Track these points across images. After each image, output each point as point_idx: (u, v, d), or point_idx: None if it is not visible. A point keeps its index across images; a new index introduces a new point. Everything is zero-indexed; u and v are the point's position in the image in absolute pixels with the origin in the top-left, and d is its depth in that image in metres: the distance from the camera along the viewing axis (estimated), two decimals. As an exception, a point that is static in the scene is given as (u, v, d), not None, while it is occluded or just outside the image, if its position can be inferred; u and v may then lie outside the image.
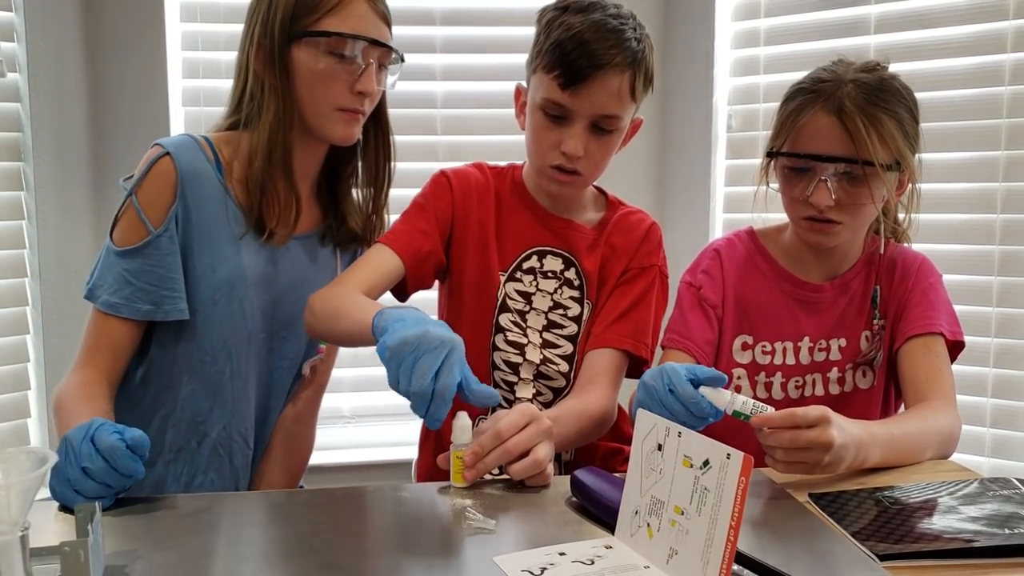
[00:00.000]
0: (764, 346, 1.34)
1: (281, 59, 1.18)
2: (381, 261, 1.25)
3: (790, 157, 1.24)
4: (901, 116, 1.22)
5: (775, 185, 1.32)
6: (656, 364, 1.32)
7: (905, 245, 1.37)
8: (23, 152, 1.86)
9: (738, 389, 1.33)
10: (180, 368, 1.22)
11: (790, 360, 1.33)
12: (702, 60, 2.06)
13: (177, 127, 1.98)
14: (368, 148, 1.31)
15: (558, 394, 1.32)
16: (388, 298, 1.27)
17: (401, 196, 1.37)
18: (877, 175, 1.20)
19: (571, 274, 1.32)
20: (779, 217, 1.36)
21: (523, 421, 1.01)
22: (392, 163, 1.33)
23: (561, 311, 1.32)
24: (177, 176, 1.16)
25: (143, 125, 1.94)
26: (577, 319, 1.32)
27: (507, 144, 1.81)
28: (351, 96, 1.19)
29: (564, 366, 1.31)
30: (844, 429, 1.00)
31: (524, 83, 1.31)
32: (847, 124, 1.19)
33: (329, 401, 2.03)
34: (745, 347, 1.34)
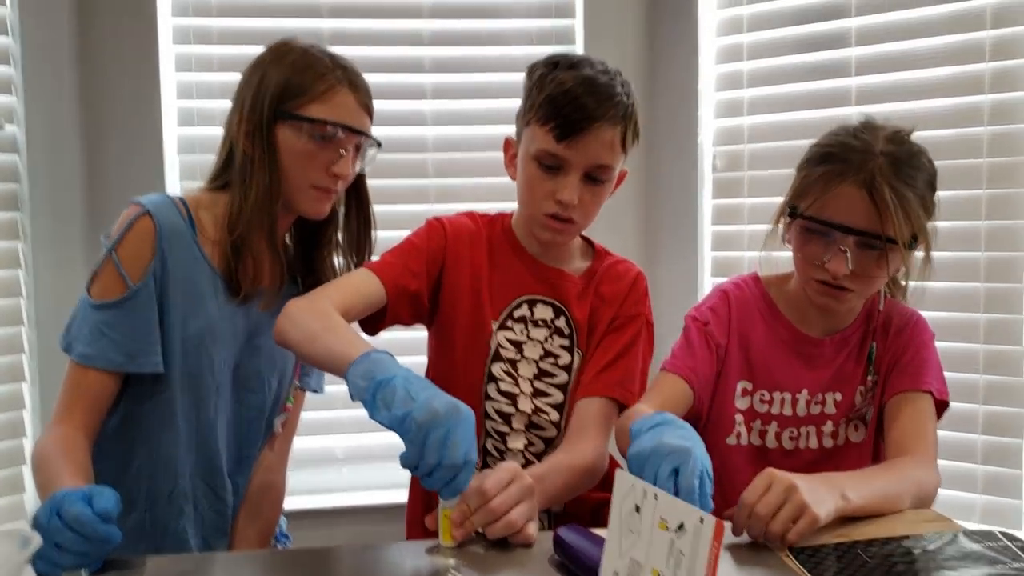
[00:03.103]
0: (763, 394, 1.35)
1: (267, 135, 1.24)
2: (365, 287, 1.26)
3: (814, 222, 1.24)
4: (924, 192, 1.23)
5: (775, 245, 1.34)
6: (651, 384, 1.34)
7: (900, 300, 1.38)
8: (20, 202, 1.89)
9: (738, 435, 1.34)
10: (153, 419, 1.25)
11: (787, 411, 1.34)
12: (687, 102, 2.09)
13: (172, 176, 2.02)
14: (350, 218, 1.37)
15: (549, 444, 1.33)
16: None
17: (393, 238, 1.39)
18: (896, 250, 1.21)
19: (561, 323, 1.34)
20: (777, 254, 1.37)
21: (507, 479, 1.02)
22: (373, 232, 1.38)
23: (552, 360, 1.34)
24: (156, 234, 1.21)
25: (138, 175, 1.97)
26: (567, 368, 1.34)
27: (496, 186, 1.84)
28: (327, 176, 1.26)
29: (554, 415, 1.33)
30: (790, 473, 1.03)
31: (513, 136, 1.34)
32: (876, 200, 1.19)
33: (321, 442, 2.08)
34: (745, 393, 1.35)
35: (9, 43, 1.86)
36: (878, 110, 1.84)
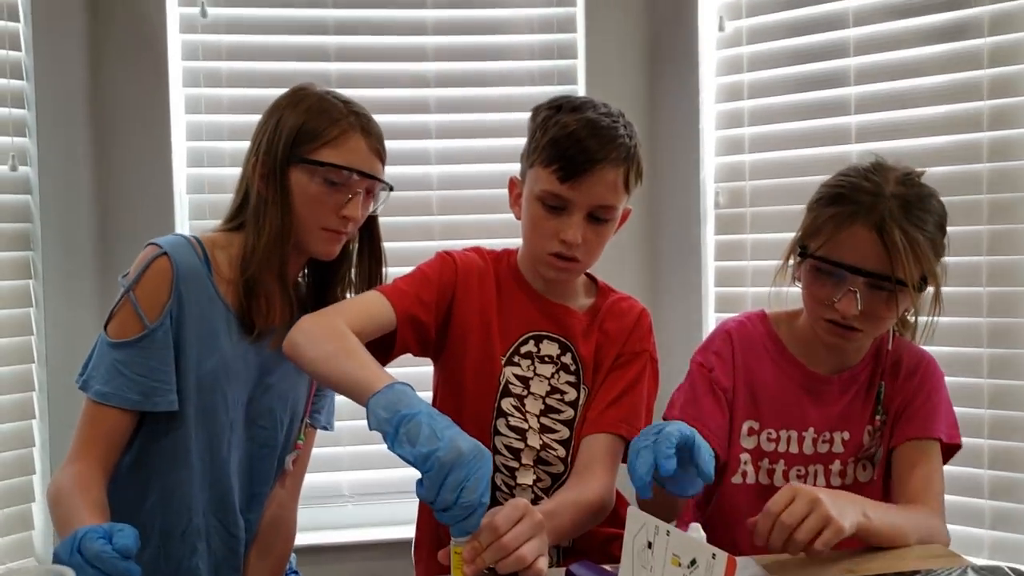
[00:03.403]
0: (769, 433, 1.35)
1: (281, 177, 1.27)
2: (377, 311, 1.26)
3: (824, 262, 1.25)
4: (934, 234, 1.24)
5: (784, 285, 1.35)
6: None
7: (909, 339, 1.38)
8: (32, 242, 1.92)
9: (744, 475, 1.35)
10: (167, 456, 1.26)
11: (793, 449, 1.35)
12: (689, 140, 2.13)
13: (181, 215, 2.05)
14: (362, 256, 1.40)
15: (556, 479, 1.34)
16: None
17: (400, 275, 1.39)
18: (906, 291, 1.21)
19: (567, 359, 1.36)
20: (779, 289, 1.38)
21: (517, 515, 1.03)
22: (384, 269, 1.41)
23: (558, 396, 1.35)
24: (173, 274, 1.23)
25: (148, 215, 2.01)
26: (573, 404, 1.35)
27: (500, 223, 1.87)
28: (337, 219, 1.29)
29: (562, 451, 1.34)
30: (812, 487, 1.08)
31: (517, 175, 1.36)
32: (886, 242, 1.20)
33: (328, 478, 2.08)
34: (751, 432, 1.35)
35: (24, 86, 1.90)
36: (877, 147, 1.86)
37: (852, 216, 1.23)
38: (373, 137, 1.31)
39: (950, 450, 1.32)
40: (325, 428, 1.48)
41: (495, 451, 1.33)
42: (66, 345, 1.92)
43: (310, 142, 1.27)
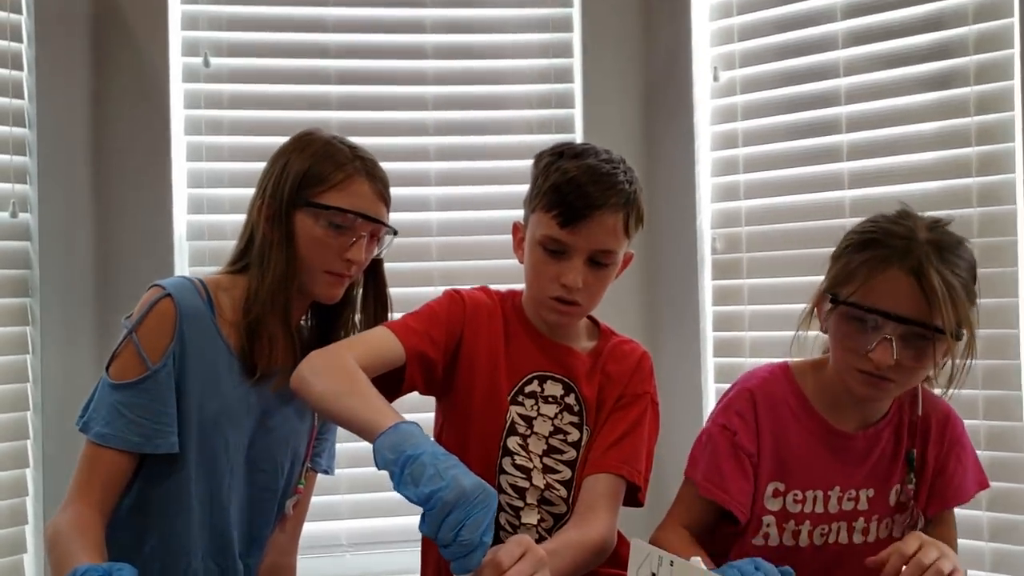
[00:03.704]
0: (796, 494, 1.32)
1: (286, 220, 1.29)
2: (386, 348, 1.26)
3: (858, 309, 1.20)
4: (967, 280, 1.21)
5: (814, 332, 1.34)
6: (679, 496, 1.36)
7: (932, 387, 1.35)
8: (31, 288, 1.92)
9: (766, 536, 1.32)
10: (167, 500, 1.25)
11: (819, 508, 1.32)
12: (685, 187, 2.16)
13: (181, 261, 2.05)
14: (367, 300, 1.41)
15: (559, 520, 1.33)
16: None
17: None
18: (943, 340, 1.17)
19: (571, 399, 1.36)
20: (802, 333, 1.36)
21: (519, 551, 1.02)
22: (390, 314, 1.41)
23: (561, 436, 1.35)
24: (176, 316, 1.23)
25: (148, 261, 2.00)
26: (576, 444, 1.35)
27: (499, 269, 1.88)
28: (340, 262, 1.30)
29: (564, 491, 1.33)
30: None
31: (521, 220, 1.38)
32: (924, 287, 1.15)
33: (326, 528, 2.05)
34: (776, 494, 1.32)
35: (26, 134, 1.92)
36: (870, 192, 1.92)
37: (886, 260, 1.19)
38: (378, 181, 1.33)
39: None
40: (326, 472, 1.48)
41: (500, 490, 1.33)
42: (62, 393, 1.91)
43: (316, 185, 1.28)
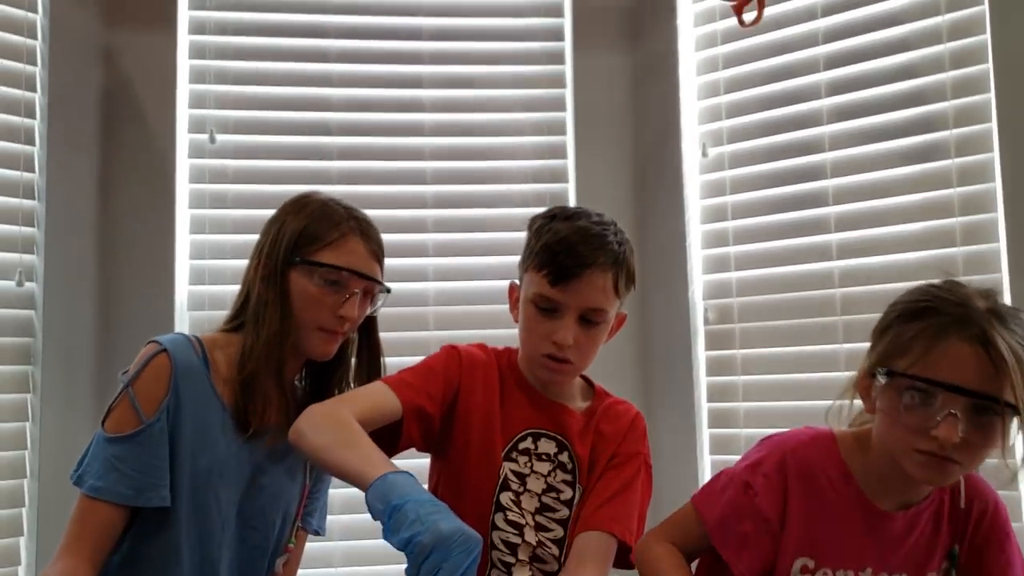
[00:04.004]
0: (826, 572, 1.22)
1: (281, 279, 1.32)
2: (383, 403, 1.28)
3: (921, 381, 1.09)
4: None
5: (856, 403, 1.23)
6: (679, 529, 1.30)
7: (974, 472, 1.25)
8: (33, 357, 1.95)
9: None
10: (157, 554, 1.25)
11: None
12: (677, 259, 2.20)
13: (182, 329, 2.08)
14: (361, 359, 1.44)
15: (550, 578, 1.33)
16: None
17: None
18: (1011, 416, 1.07)
19: (564, 457, 1.37)
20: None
21: None
22: (383, 371, 1.43)
23: (554, 494, 1.36)
24: (172, 371, 1.25)
25: (149, 331, 1.99)
26: (568, 503, 1.35)
27: (494, 338, 1.89)
28: (334, 319, 1.32)
29: (555, 550, 1.33)
30: None
31: (517, 281, 1.42)
32: (992, 357, 1.05)
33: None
34: (805, 570, 1.22)
35: (36, 206, 1.98)
36: (858, 263, 1.95)
37: (946, 329, 1.08)
38: (372, 241, 1.36)
39: None
40: (317, 533, 1.48)
41: (492, 546, 1.33)
42: (59, 460, 1.92)
43: (310, 244, 1.32)
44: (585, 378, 1.47)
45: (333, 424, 1.20)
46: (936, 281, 1.17)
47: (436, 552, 0.96)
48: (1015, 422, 1.08)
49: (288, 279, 1.32)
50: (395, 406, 1.28)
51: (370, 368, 1.43)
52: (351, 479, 1.12)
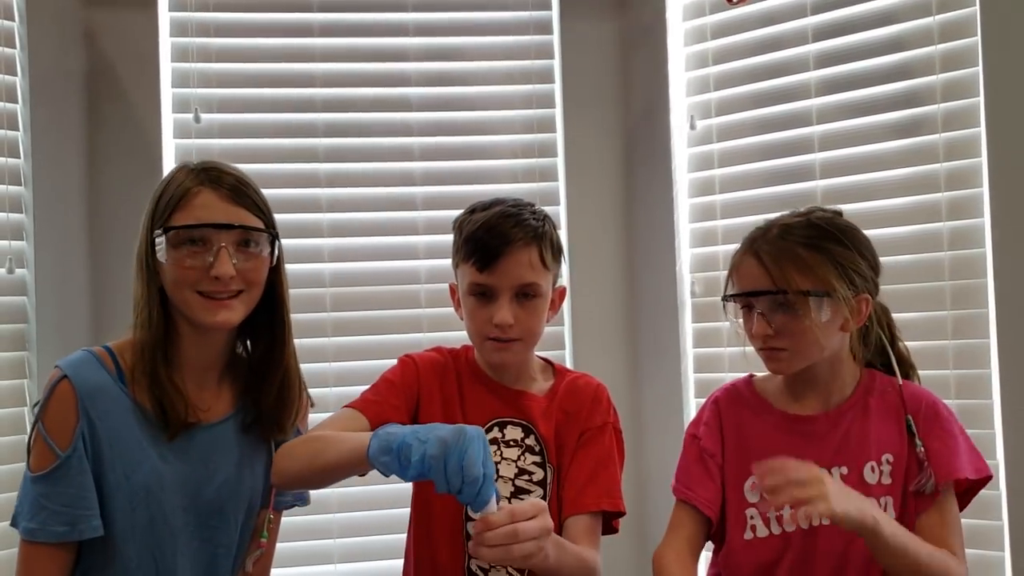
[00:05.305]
0: None
1: (148, 266, 1.25)
2: (353, 425, 1.32)
3: (730, 299, 1.41)
4: (829, 248, 1.33)
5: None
6: (671, 521, 1.42)
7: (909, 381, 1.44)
8: (27, 342, 1.96)
9: (753, 529, 1.39)
10: None
11: None
12: (665, 232, 2.21)
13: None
14: (261, 319, 1.32)
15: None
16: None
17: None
18: (805, 301, 1.30)
19: (531, 440, 1.42)
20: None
21: (533, 512, 1.09)
22: (287, 331, 1.34)
23: (526, 476, 1.40)
24: (76, 396, 1.20)
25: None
26: (542, 483, 1.40)
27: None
28: (208, 280, 1.22)
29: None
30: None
31: (455, 281, 1.45)
32: (764, 261, 1.33)
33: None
34: (754, 487, 1.39)
35: (22, 192, 1.98)
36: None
37: (740, 252, 1.39)
38: (225, 188, 1.24)
39: (982, 483, 1.37)
40: (297, 503, 1.44)
41: (469, 538, 1.36)
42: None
43: (162, 214, 1.23)
44: (544, 359, 1.51)
45: (305, 442, 1.26)
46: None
47: (451, 456, 1.02)
48: (815, 301, 1.31)
49: (155, 264, 1.24)
50: (363, 424, 1.33)
51: (273, 328, 1.33)
52: (349, 464, 1.17)
